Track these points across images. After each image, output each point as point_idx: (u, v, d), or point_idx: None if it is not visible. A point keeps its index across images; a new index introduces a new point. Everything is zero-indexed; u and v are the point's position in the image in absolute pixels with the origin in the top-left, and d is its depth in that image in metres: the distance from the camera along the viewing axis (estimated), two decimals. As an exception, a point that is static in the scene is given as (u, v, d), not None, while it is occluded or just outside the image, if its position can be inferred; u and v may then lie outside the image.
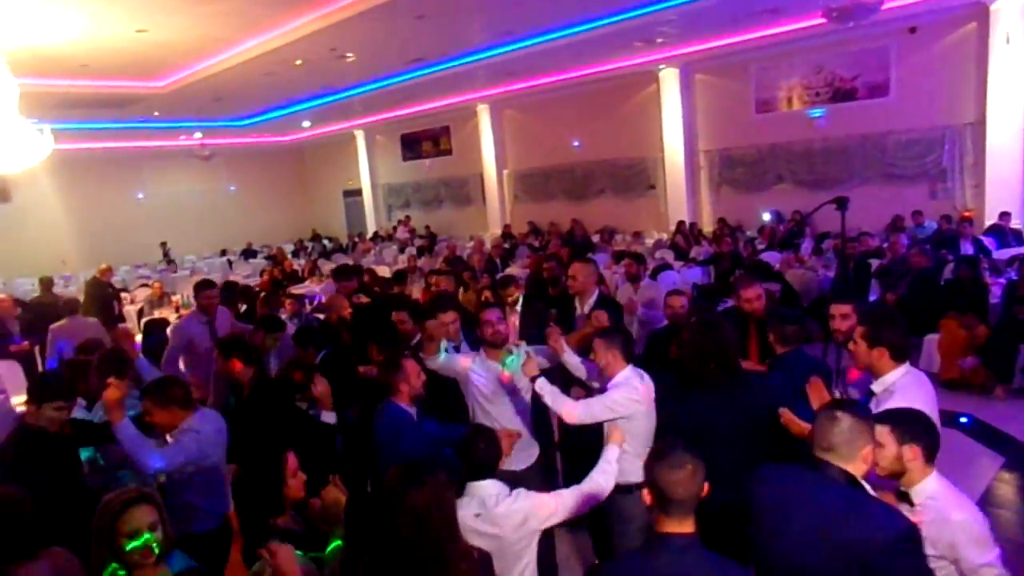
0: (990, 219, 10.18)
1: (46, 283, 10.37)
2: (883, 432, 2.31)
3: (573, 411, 3.22)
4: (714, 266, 9.95)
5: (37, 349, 8.11)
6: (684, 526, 1.97)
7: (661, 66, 13.52)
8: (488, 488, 2.59)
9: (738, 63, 12.91)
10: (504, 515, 2.52)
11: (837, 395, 3.55)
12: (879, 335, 2.97)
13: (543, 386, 3.24)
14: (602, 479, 2.83)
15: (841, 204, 4.51)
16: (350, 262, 11.75)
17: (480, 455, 2.62)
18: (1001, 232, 9.72)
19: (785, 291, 7.30)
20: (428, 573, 2.00)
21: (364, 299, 6.19)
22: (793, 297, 7.48)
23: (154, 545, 2.23)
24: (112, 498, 2.31)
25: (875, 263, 8.61)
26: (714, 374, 3.11)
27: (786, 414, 2.99)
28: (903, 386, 2.90)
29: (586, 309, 4.60)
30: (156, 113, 14.52)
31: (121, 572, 2.25)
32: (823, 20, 8.07)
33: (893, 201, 11.19)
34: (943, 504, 2.28)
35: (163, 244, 18.82)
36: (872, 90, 11.70)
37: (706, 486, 2.01)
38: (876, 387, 2.98)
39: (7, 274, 15.43)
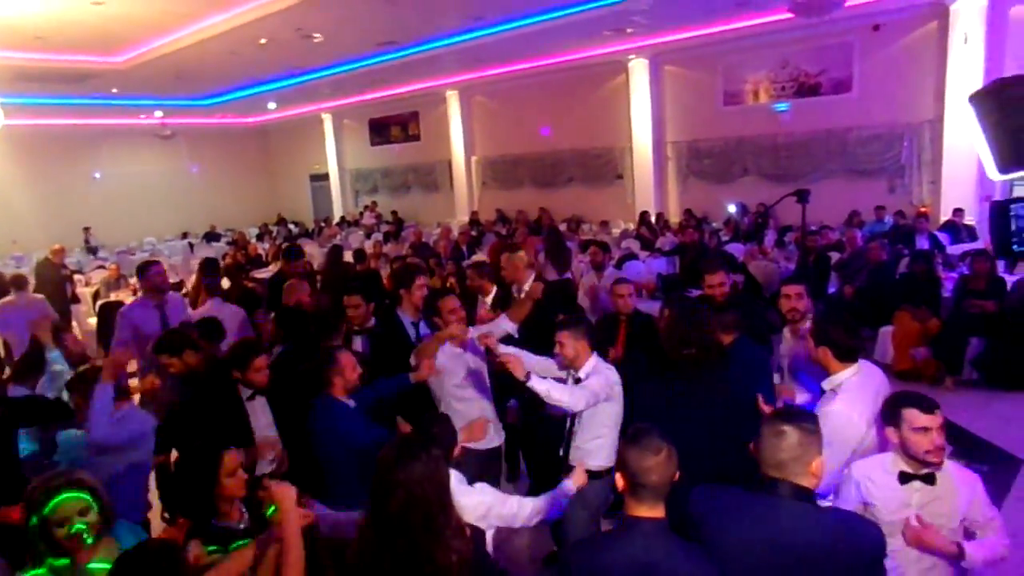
0: (945, 215, 10.45)
1: (47, 260, 10.19)
2: None
3: (578, 399, 3.14)
4: (680, 256, 10.03)
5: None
6: (654, 511, 1.98)
7: (630, 56, 13.56)
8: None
9: (707, 55, 13.01)
10: (466, 506, 2.50)
11: (777, 380, 3.67)
12: (824, 334, 3.03)
13: (537, 383, 3.11)
14: (548, 504, 2.81)
15: (802, 197, 4.60)
16: (315, 247, 11.60)
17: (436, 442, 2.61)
18: (955, 228, 10.00)
19: (748, 282, 7.41)
20: (420, 547, 1.99)
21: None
22: (756, 288, 7.59)
23: (84, 533, 2.17)
24: (38, 485, 2.23)
25: (835, 256, 8.78)
26: (691, 358, 3.12)
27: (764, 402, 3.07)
28: (848, 387, 2.94)
29: (521, 295, 4.65)
30: (114, 90, 14.08)
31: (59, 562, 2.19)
32: (790, 14, 8.17)
33: (854, 195, 11.42)
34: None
35: (86, 229, 17.91)
36: (836, 86, 11.89)
37: (676, 472, 2.02)
38: (825, 385, 3.04)
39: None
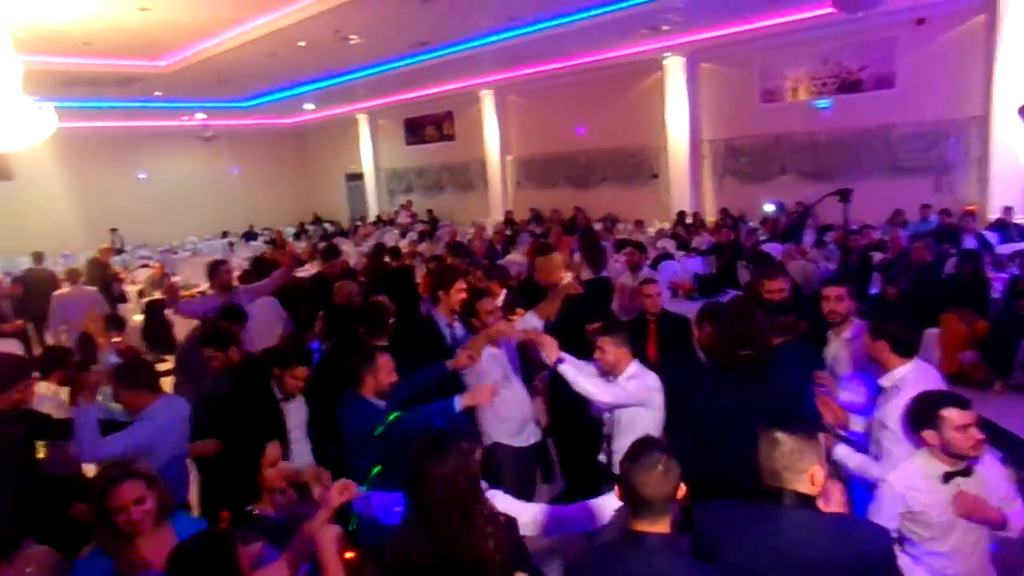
0: (994, 214, 10.15)
1: (38, 256, 10.48)
2: None
3: (605, 392, 3.20)
4: (716, 256, 9.93)
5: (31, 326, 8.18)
6: (657, 526, 1.95)
7: (666, 54, 13.44)
8: None
9: (744, 52, 12.83)
10: None
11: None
12: (882, 327, 2.97)
13: (567, 369, 3.21)
14: (587, 518, 2.71)
15: (844, 196, 4.52)
16: (351, 246, 11.75)
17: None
18: (1005, 227, 9.70)
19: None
20: (460, 537, 2.03)
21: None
22: (795, 289, 7.46)
23: (142, 521, 2.30)
24: (99, 476, 2.41)
25: (877, 256, 8.59)
26: (744, 361, 3.03)
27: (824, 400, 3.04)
28: (909, 382, 2.88)
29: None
30: (158, 93, 14.47)
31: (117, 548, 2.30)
32: (832, 9, 8.01)
33: (897, 194, 11.14)
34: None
35: (113, 231, 18.31)
36: (878, 82, 11.62)
37: (682, 488, 1.98)
38: (884, 382, 2.99)
39: (8, 253, 15.37)
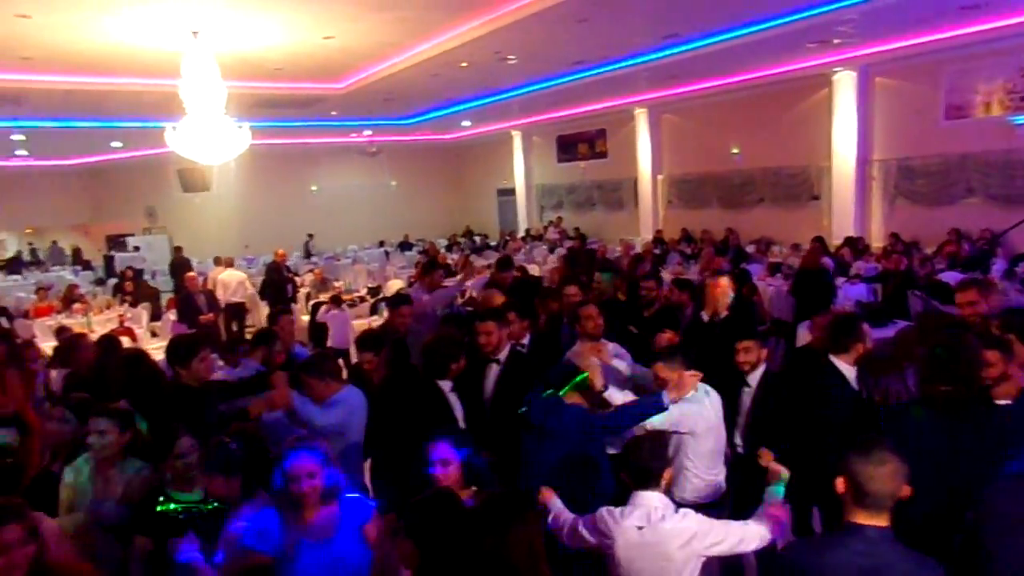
0: None
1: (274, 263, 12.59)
2: None
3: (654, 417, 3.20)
4: (882, 284, 9.20)
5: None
6: (878, 519, 1.97)
7: (836, 69, 12.66)
8: (653, 500, 2.53)
9: (926, 65, 11.79)
10: (671, 532, 2.46)
11: None
12: None
13: (613, 394, 3.30)
14: (765, 528, 2.60)
15: (1048, 222, 4.06)
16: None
17: (642, 460, 2.58)
18: None
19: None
20: None
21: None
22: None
23: (312, 493, 2.56)
24: (285, 444, 2.71)
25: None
26: (954, 396, 2.78)
27: None
28: None
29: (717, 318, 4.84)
30: (334, 112, 15.71)
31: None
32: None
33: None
34: None
35: (309, 236, 20.21)
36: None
37: (906, 488, 1.99)
38: None
39: (200, 255, 17.30)
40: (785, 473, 2.71)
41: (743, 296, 6.28)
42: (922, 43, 10.97)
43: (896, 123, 12.64)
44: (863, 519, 1.98)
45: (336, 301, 9.61)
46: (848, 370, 3.56)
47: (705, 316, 5.07)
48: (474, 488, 2.72)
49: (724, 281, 4.99)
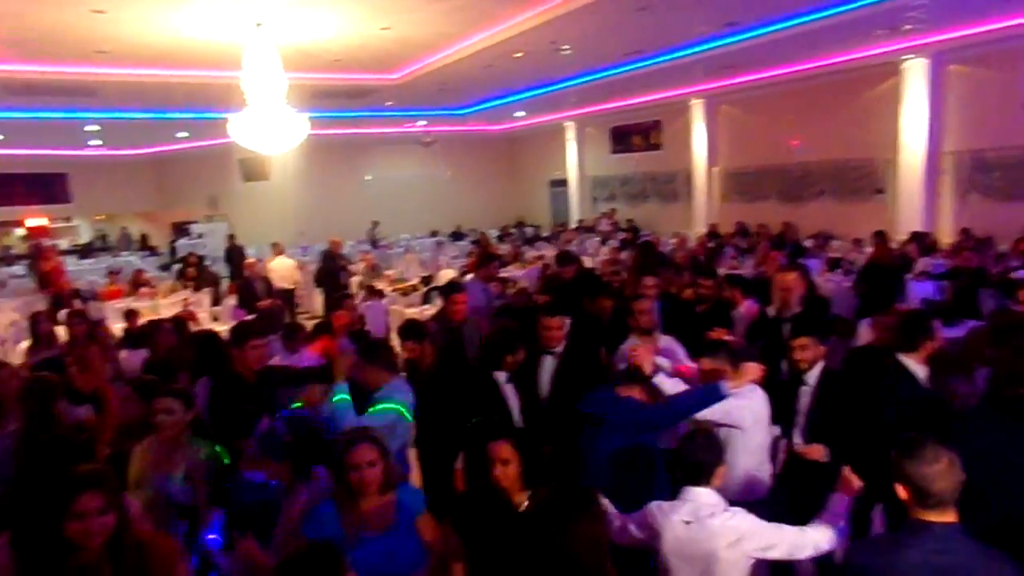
0: None
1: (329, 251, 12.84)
2: None
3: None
4: (951, 281, 8.81)
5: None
6: (945, 516, 1.93)
7: (906, 57, 12.14)
8: (704, 497, 2.50)
9: (1004, 52, 11.18)
10: (719, 530, 2.41)
11: None
12: None
13: (663, 380, 3.29)
14: (823, 537, 2.51)
15: None
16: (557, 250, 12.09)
17: (694, 455, 2.55)
18: None
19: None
20: None
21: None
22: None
23: (371, 482, 2.57)
24: (341, 437, 2.74)
25: None
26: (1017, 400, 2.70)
27: None
28: None
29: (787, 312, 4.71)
30: (388, 103, 15.89)
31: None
32: None
33: None
34: None
35: (375, 223, 20.49)
36: None
37: (963, 477, 1.95)
38: None
39: (258, 242, 17.75)
40: (858, 483, 2.57)
41: (815, 292, 6.11)
42: (999, 28, 10.42)
43: (970, 113, 12.05)
44: (930, 516, 1.94)
45: (373, 292, 9.74)
46: (918, 369, 3.44)
47: (771, 312, 4.95)
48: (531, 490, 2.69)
49: (792, 276, 4.85)
